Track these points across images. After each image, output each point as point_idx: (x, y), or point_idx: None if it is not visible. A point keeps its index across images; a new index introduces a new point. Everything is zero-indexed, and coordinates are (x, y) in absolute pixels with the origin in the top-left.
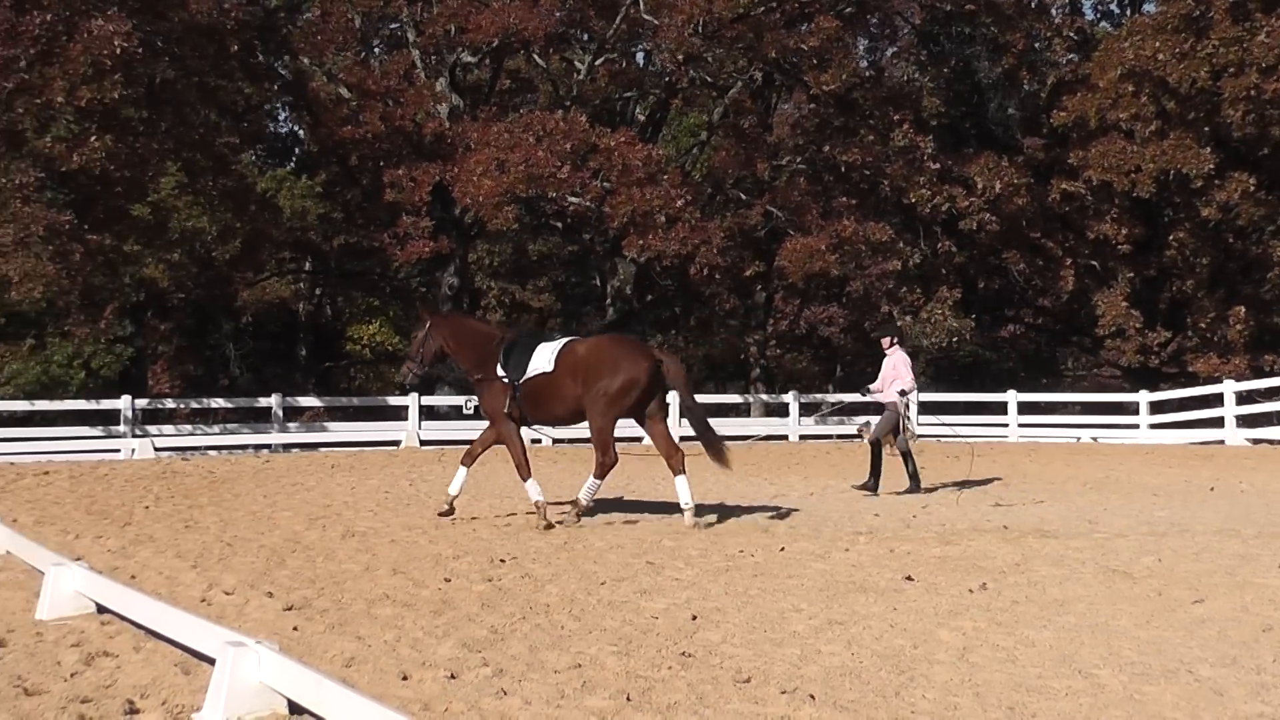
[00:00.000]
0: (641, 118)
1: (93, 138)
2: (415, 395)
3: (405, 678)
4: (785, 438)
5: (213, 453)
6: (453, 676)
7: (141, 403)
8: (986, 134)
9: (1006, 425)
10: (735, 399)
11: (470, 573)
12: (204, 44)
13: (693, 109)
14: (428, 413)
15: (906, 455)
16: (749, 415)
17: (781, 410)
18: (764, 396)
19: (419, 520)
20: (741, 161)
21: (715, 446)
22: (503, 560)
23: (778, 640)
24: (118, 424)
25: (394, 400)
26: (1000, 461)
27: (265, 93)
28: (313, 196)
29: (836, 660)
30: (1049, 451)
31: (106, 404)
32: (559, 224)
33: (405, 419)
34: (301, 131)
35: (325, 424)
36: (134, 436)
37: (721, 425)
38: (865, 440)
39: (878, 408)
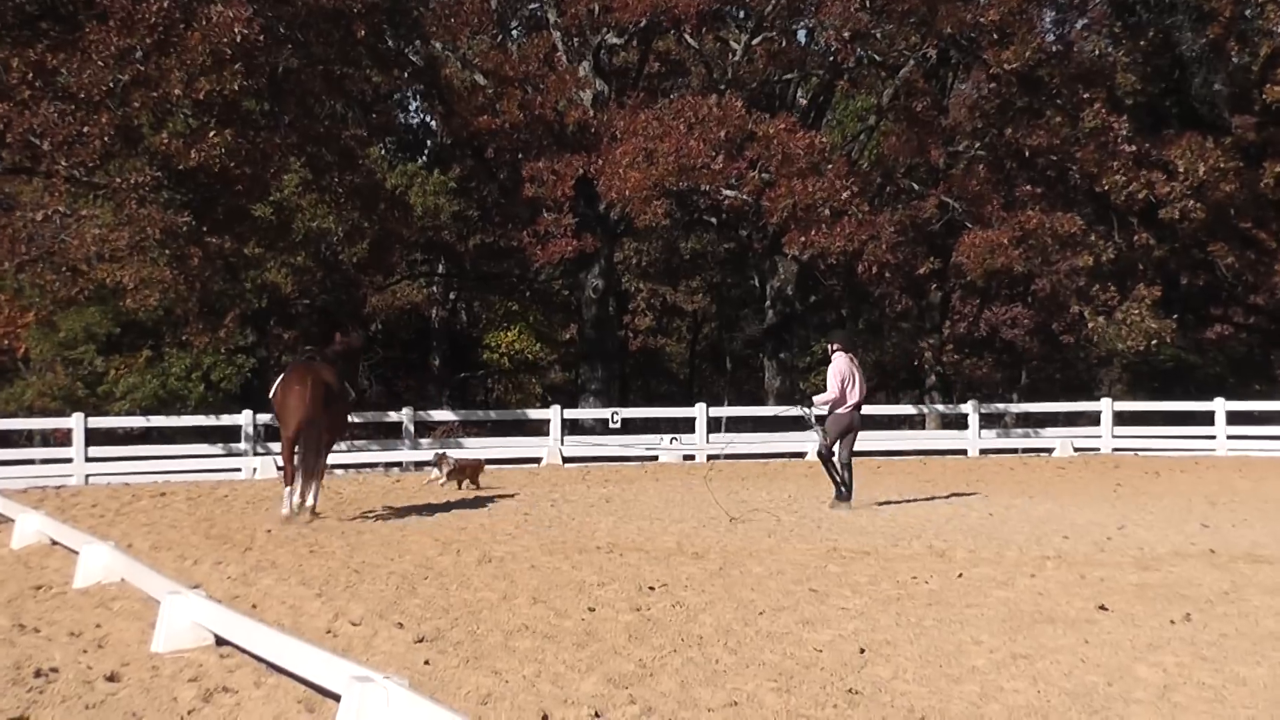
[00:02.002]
0: (803, 102)
1: (211, 133)
2: (558, 408)
3: (545, 717)
4: (964, 452)
5: (339, 472)
6: (597, 715)
7: (264, 418)
8: (1189, 113)
9: (1213, 437)
10: (908, 409)
11: (616, 601)
12: (329, 29)
13: (860, 91)
14: (571, 427)
15: (826, 463)
16: (923, 427)
17: (959, 422)
18: (940, 407)
19: (561, 544)
20: (914, 148)
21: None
22: (652, 588)
23: (955, 676)
24: (238, 441)
25: (535, 413)
26: (1207, 478)
27: (395, 81)
28: (446, 193)
29: (1021, 699)
30: (1263, 467)
31: (227, 419)
32: (713, 219)
33: (547, 434)
34: (434, 122)
35: (460, 439)
36: (256, 455)
37: (892, 439)
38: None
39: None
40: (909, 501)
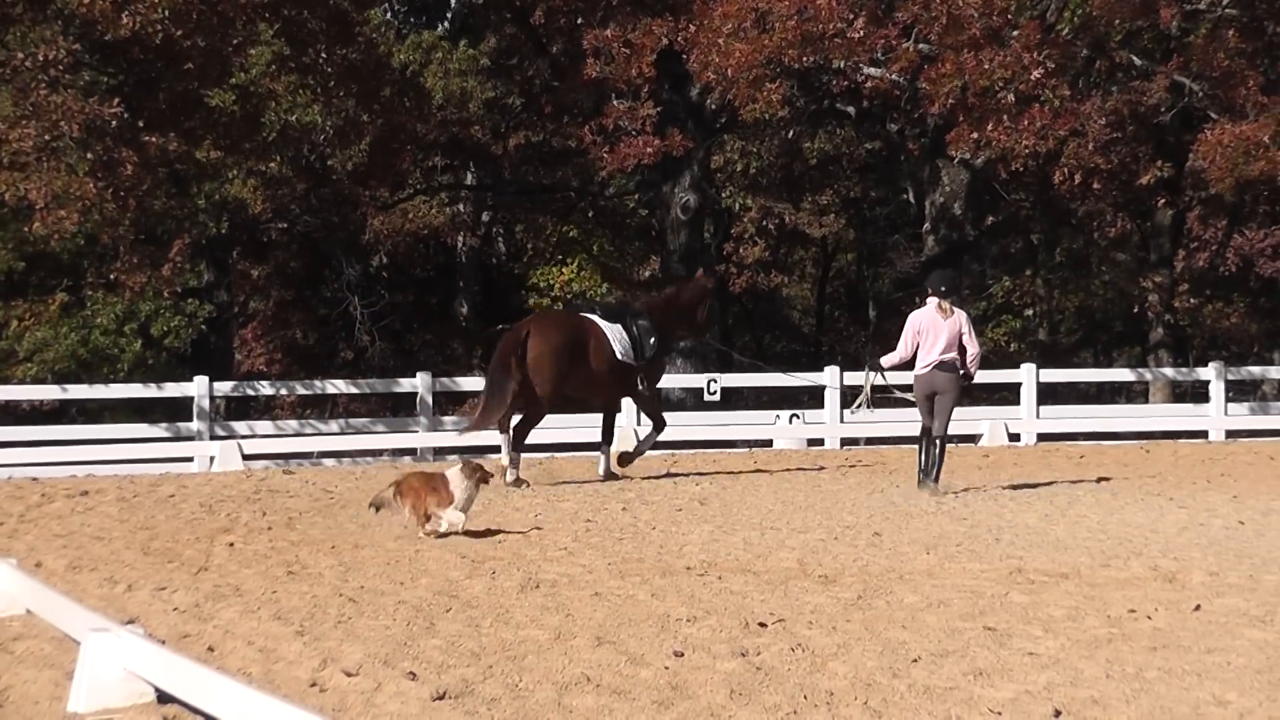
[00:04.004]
0: None
1: None
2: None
3: None
4: (1205, 435)
5: (329, 462)
6: None
7: (224, 387)
8: None
9: None
10: (1125, 375)
11: (714, 643)
12: None
13: None
14: None
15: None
16: (1146, 400)
17: (1198, 392)
18: (1170, 371)
19: (636, 563)
20: (1136, 6)
21: None
22: (763, 624)
23: None
24: (189, 419)
25: None
26: None
27: None
28: (477, 74)
29: None
30: None
31: (173, 389)
32: (850, 109)
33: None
34: None
35: None
36: (213, 438)
37: (1102, 415)
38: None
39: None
40: (1124, 504)
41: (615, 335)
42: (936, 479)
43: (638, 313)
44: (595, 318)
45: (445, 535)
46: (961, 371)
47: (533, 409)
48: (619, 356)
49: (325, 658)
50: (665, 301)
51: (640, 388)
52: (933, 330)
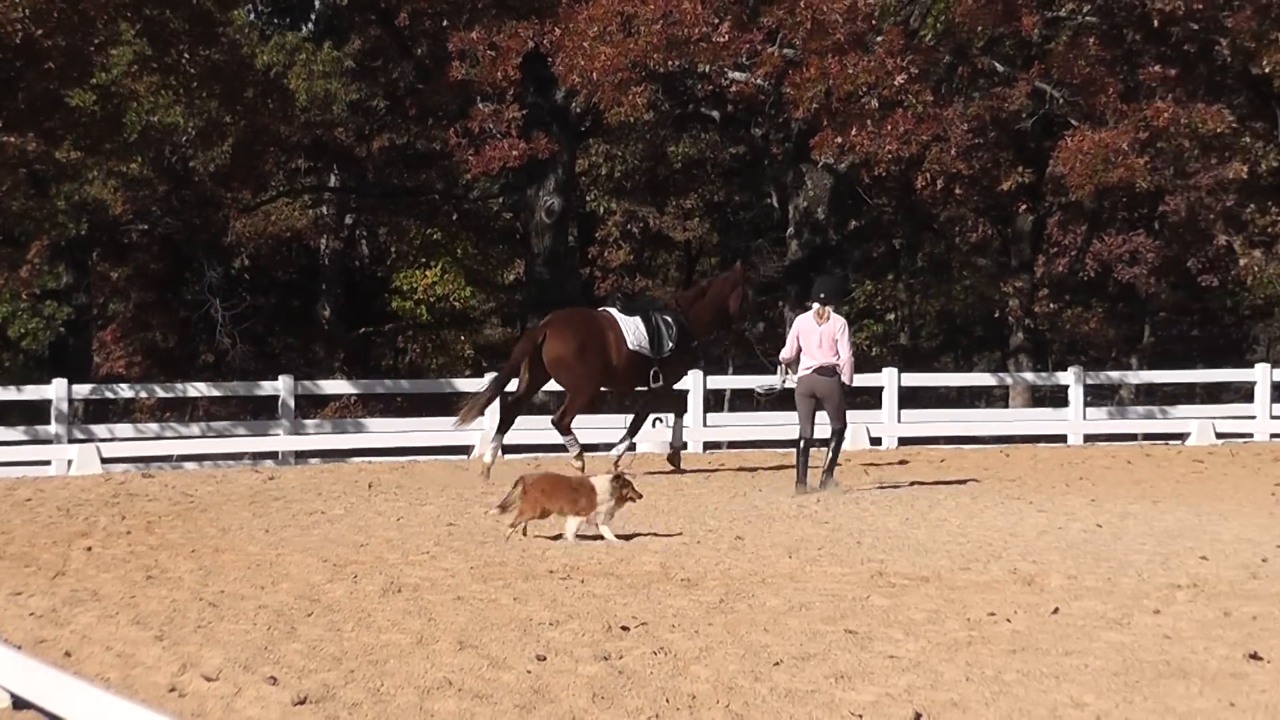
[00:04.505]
0: None
1: None
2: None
3: None
4: (1063, 439)
5: (190, 465)
6: None
7: (83, 390)
8: None
9: None
10: (985, 379)
11: (576, 647)
12: None
13: None
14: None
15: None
16: (1006, 404)
17: (1057, 397)
18: (1030, 375)
19: (499, 567)
20: (998, 13)
21: None
22: (625, 628)
23: None
24: (47, 422)
25: (465, 384)
26: None
27: None
28: (341, 75)
29: None
30: None
31: (30, 392)
32: (715, 114)
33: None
34: None
35: (360, 420)
36: (72, 441)
37: (963, 420)
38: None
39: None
40: (985, 508)
41: (631, 328)
42: (830, 472)
43: (661, 306)
44: (614, 311)
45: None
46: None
47: (571, 401)
48: (631, 348)
49: (184, 663)
50: (695, 295)
51: (656, 381)
52: (811, 335)
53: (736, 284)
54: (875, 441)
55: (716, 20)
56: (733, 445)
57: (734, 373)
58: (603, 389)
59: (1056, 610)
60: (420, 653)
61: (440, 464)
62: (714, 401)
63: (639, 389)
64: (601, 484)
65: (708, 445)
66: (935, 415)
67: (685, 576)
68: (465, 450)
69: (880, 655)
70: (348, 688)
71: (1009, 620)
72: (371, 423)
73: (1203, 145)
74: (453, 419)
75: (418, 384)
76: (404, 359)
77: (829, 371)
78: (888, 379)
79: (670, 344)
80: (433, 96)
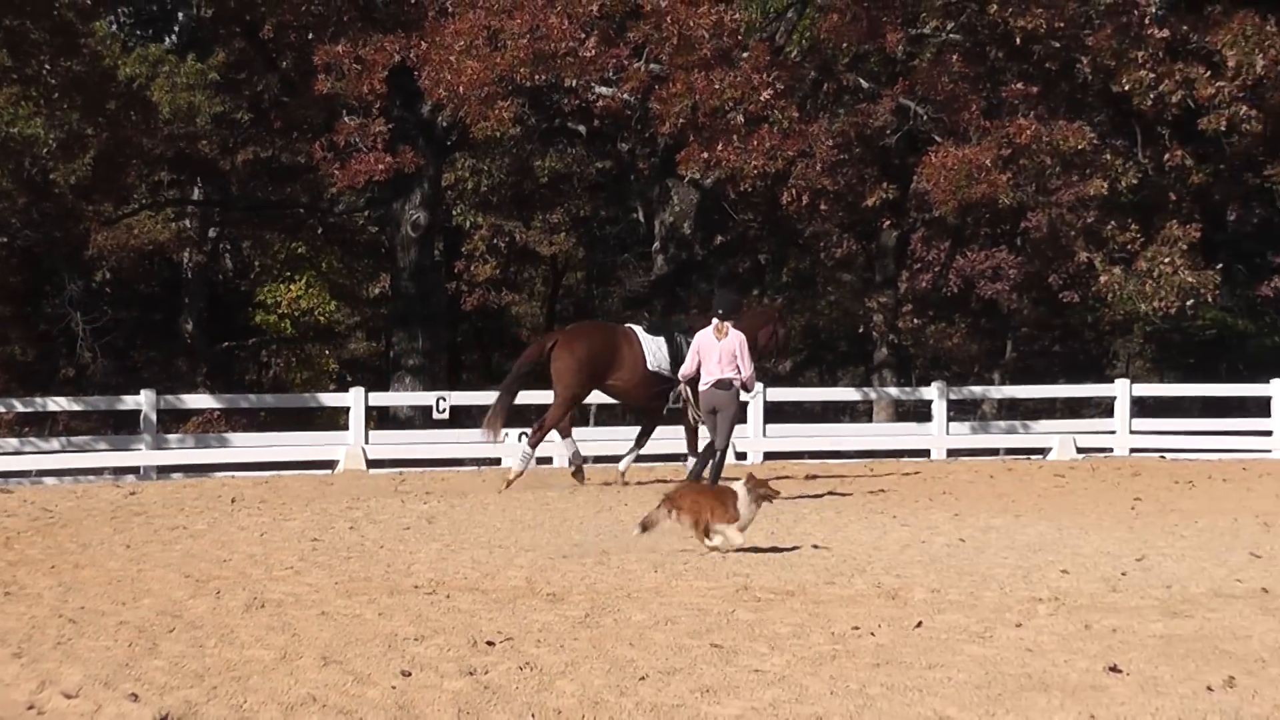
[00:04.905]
0: None
1: None
2: (361, 391)
3: None
4: (926, 453)
5: (50, 480)
6: None
7: None
8: None
9: (1269, 434)
10: (850, 394)
11: (441, 662)
12: None
13: None
14: (380, 417)
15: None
16: (870, 419)
17: (920, 411)
18: (894, 390)
19: (364, 582)
20: (863, 30)
21: None
22: (491, 643)
23: None
24: None
25: (329, 398)
26: (1259, 489)
27: None
28: (205, 88)
29: None
30: None
31: None
32: (582, 128)
33: (345, 427)
34: None
35: (224, 435)
36: None
37: (828, 434)
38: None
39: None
40: (849, 522)
41: (654, 348)
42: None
43: (686, 329)
44: (638, 329)
45: (721, 550)
46: (738, 389)
47: (551, 413)
48: (650, 368)
49: (44, 680)
50: None
51: (676, 403)
52: (711, 350)
53: (770, 320)
54: (741, 456)
55: (583, 35)
56: (598, 460)
57: None
58: (618, 403)
59: (920, 624)
60: (284, 669)
61: (304, 478)
62: (579, 417)
63: (657, 407)
64: (740, 490)
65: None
66: (800, 430)
67: (551, 591)
68: (329, 465)
69: (745, 669)
70: (210, 704)
71: (873, 634)
72: (235, 437)
73: (1064, 162)
74: (305, 434)
75: (282, 398)
76: (268, 373)
77: (726, 385)
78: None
79: None
80: (298, 110)
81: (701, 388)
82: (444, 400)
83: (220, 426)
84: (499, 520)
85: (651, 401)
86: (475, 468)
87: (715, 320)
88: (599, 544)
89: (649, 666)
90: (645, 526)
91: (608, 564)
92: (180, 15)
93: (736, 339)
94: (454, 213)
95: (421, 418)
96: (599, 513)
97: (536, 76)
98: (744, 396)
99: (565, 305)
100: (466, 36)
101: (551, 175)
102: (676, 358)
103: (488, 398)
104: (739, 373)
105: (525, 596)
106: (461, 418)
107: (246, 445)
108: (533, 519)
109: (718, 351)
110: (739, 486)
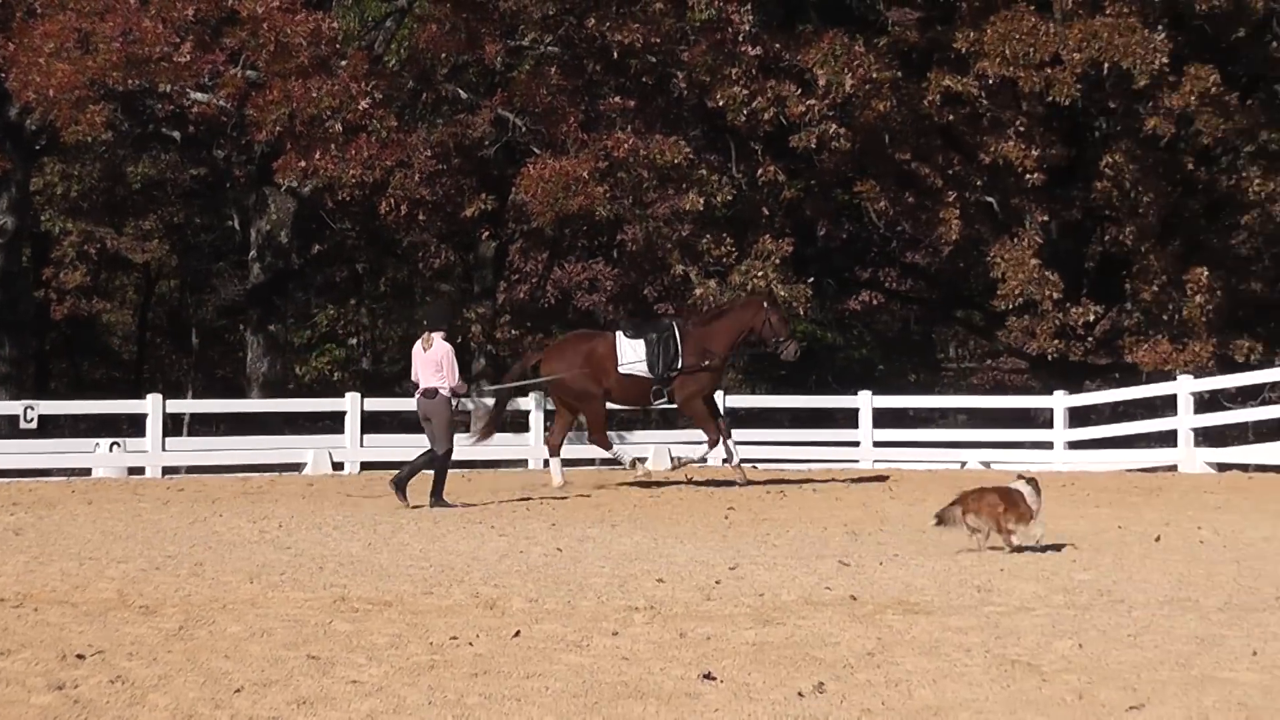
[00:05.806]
0: None
1: None
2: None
3: None
4: (525, 463)
5: None
6: None
7: None
8: (833, 3)
9: (857, 444)
10: None
11: (29, 676)
12: None
13: None
14: None
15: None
16: (467, 429)
17: (519, 421)
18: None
19: None
20: (462, 41)
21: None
22: (81, 656)
23: None
24: None
25: None
26: (847, 499)
27: None
28: None
29: None
30: (920, 482)
31: None
32: (176, 134)
33: None
34: None
35: None
36: None
37: (425, 444)
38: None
39: None
40: (447, 532)
41: (628, 351)
42: (438, 495)
43: (667, 328)
44: (618, 334)
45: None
46: (446, 396)
47: (588, 418)
48: (622, 371)
49: None
50: (711, 316)
51: (658, 399)
52: (421, 361)
53: (758, 307)
54: (338, 466)
55: (178, 40)
56: (192, 470)
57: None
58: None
59: (518, 633)
60: None
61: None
62: (172, 426)
63: (633, 404)
64: (1026, 489)
65: (166, 470)
66: (397, 440)
67: (144, 604)
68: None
69: (343, 680)
70: None
71: (471, 644)
72: None
73: (660, 176)
74: None
75: None
76: None
77: (433, 394)
78: (350, 403)
79: (678, 364)
80: None
81: (417, 396)
82: (32, 409)
83: None
84: (90, 532)
85: (639, 402)
86: (65, 478)
87: (427, 333)
88: (193, 555)
89: (244, 679)
90: (940, 520)
91: (202, 575)
92: None
93: (443, 349)
94: (42, 218)
95: (8, 427)
96: (193, 524)
97: (129, 81)
98: (464, 403)
99: (158, 314)
100: (56, 38)
101: (145, 181)
102: (654, 360)
103: (77, 407)
104: (443, 382)
105: (117, 609)
106: (49, 427)
107: None
108: (125, 530)
109: (427, 362)
110: (1022, 485)
